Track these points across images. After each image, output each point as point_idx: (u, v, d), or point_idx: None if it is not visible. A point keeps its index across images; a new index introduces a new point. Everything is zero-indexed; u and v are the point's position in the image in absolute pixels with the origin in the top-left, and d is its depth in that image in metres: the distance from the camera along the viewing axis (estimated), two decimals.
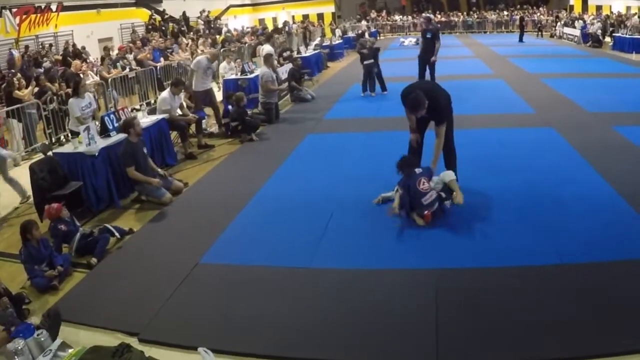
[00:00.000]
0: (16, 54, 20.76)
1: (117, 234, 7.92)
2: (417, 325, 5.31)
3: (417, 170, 7.83)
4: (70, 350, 3.61)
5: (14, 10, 23.22)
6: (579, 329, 5.05)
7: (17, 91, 13.63)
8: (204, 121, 13.90)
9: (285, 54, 21.31)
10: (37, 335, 3.60)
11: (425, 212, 7.59)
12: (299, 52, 24.60)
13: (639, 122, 12.57)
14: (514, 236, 7.12)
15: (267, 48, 18.44)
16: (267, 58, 15.75)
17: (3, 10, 22.63)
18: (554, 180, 9.06)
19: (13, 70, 17.36)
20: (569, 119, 13.24)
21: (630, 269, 6.11)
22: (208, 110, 14.71)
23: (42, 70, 18.04)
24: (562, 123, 12.73)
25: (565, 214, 7.67)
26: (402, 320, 5.41)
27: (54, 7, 25.34)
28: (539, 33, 38.51)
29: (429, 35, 17.59)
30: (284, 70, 17.96)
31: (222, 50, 25.65)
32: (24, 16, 23.72)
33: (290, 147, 12.21)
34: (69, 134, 12.96)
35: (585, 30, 33.50)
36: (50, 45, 24.19)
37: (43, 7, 24.81)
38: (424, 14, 47.68)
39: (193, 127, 13.14)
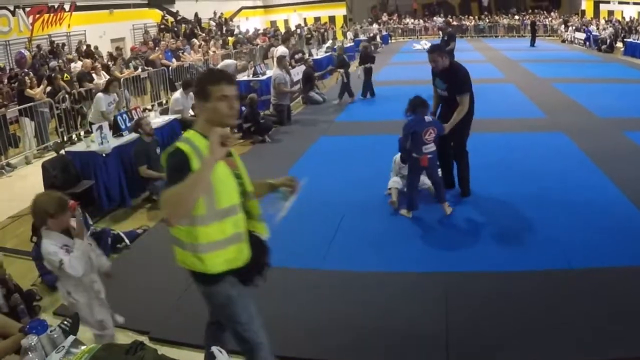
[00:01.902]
0: (27, 53, 20.84)
1: (126, 241, 7.93)
2: (427, 328, 5.32)
3: (427, 119, 7.75)
4: (83, 347, 3.62)
5: (28, 9, 23.34)
6: (589, 334, 5.05)
7: (28, 90, 13.70)
8: None
9: (297, 56, 21.34)
10: (50, 331, 3.62)
11: (423, 155, 7.66)
12: (310, 54, 24.62)
13: None
14: (524, 241, 7.13)
15: (281, 49, 18.42)
16: (280, 60, 15.81)
17: (17, 9, 22.76)
18: (564, 185, 9.06)
19: (26, 70, 17.40)
20: (579, 124, 13.25)
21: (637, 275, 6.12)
22: None
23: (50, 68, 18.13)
24: (572, 128, 12.73)
25: (575, 219, 7.67)
26: (412, 323, 5.42)
27: (67, 6, 25.45)
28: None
29: (445, 38, 18.44)
30: (296, 72, 17.94)
31: (234, 51, 25.74)
32: (37, 15, 23.83)
33: (302, 149, 12.28)
34: (88, 125, 12.99)
35: (589, 34, 33.57)
36: (63, 44, 24.29)
37: (56, 6, 24.92)
38: (435, 18, 47.99)
39: None
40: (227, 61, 14.60)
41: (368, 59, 18.40)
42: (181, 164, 3.32)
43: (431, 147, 7.68)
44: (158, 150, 9.55)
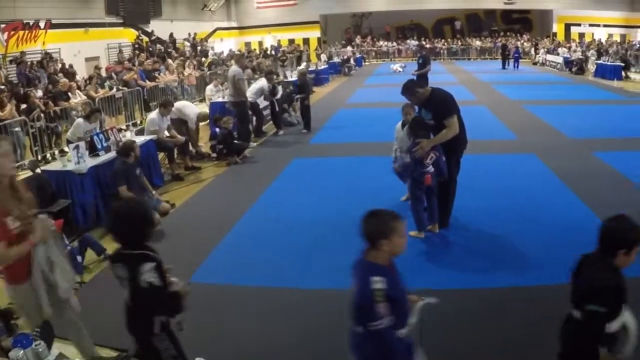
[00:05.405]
0: None
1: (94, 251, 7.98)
2: None
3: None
4: None
5: (2, 25, 23.19)
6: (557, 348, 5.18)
7: None
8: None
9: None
10: (35, 345, 3.68)
11: (426, 175, 7.76)
12: (285, 76, 24.73)
13: (618, 147, 12.97)
14: (498, 258, 7.28)
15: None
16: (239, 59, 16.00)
17: None
18: (534, 204, 9.28)
19: (2, 87, 17.28)
20: (549, 144, 13.53)
21: None
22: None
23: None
24: (543, 149, 12.97)
25: (547, 237, 7.86)
26: None
27: (42, 24, 25.33)
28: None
29: (420, 61, 19.07)
30: (262, 100, 17.33)
31: (208, 73, 25.81)
32: (12, 32, 23.67)
33: (277, 171, 12.39)
34: (66, 143, 12.95)
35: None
36: (38, 62, 24.17)
37: (31, 23, 24.81)
38: (409, 40, 48.55)
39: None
40: (183, 102, 14.28)
41: (303, 89, 17.76)
42: None
43: (431, 170, 7.78)
44: (138, 171, 9.58)
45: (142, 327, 3.93)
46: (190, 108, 14.49)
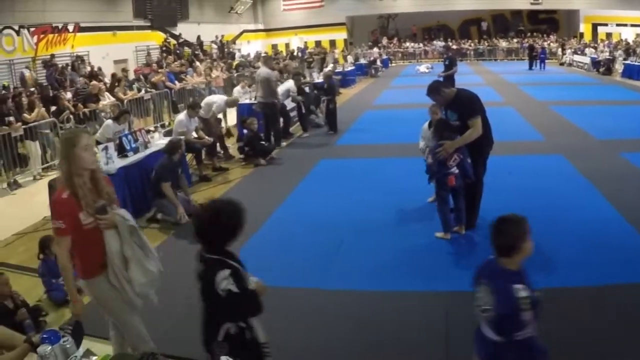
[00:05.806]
0: (27, 73, 20.98)
1: None
2: (427, 347, 5.42)
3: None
4: (94, 358, 3.74)
5: (32, 29, 23.46)
6: (585, 351, 5.15)
7: (25, 115, 13.75)
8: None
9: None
10: (63, 342, 3.73)
11: (450, 175, 7.76)
12: (312, 78, 24.69)
13: None
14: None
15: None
16: (267, 61, 16.06)
17: (21, 29, 22.90)
18: (561, 206, 9.20)
19: (32, 89, 17.52)
20: (577, 145, 13.43)
21: (634, 292, 6.21)
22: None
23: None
24: (570, 150, 12.86)
25: (572, 238, 7.79)
26: (412, 341, 5.52)
27: (70, 27, 25.61)
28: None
29: (446, 62, 19.76)
30: (289, 102, 17.52)
31: (236, 74, 25.90)
32: (42, 35, 23.94)
33: (303, 172, 12.43)
34: (95, 144, 13.11)
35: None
36: (67, 65, 24.44)
37: (60, 27, 25.08)
38: (435, 42, 48.39)
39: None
40: (218, 101, 14.17)
41: (329, 92, 17.58)
42: None
43: (455, 171, 7.77)
44: (180, 170, 9.75)
45: (209, 330, 3.95)
46: (218, 96, 14.75)
